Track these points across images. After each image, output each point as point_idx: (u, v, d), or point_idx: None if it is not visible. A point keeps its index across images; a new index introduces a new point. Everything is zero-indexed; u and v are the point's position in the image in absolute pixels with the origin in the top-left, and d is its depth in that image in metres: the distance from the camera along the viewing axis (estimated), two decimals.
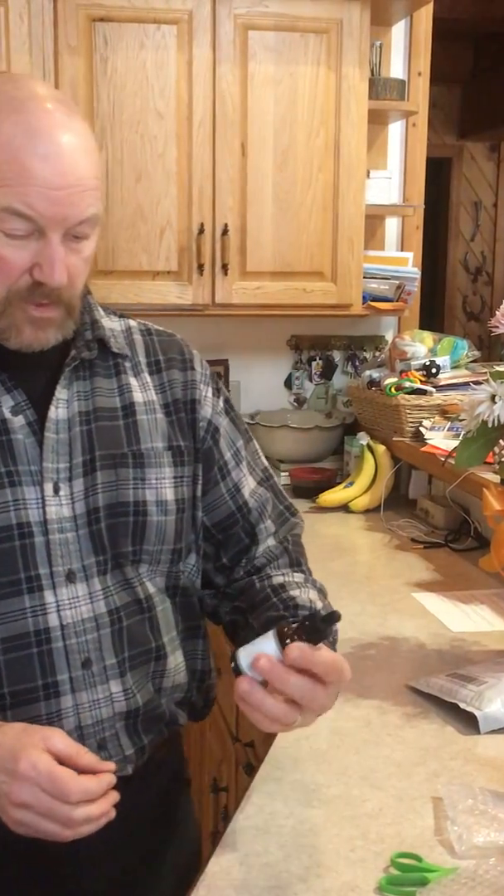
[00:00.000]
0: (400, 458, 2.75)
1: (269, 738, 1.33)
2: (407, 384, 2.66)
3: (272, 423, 3.06)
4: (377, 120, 2.97)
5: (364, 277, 2.85)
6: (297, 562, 1.31)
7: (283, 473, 3.00)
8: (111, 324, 1.26)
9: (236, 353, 3.17)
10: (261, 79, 2.68)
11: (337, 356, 3.26)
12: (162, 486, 1.20)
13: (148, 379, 1.25)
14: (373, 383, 2.83)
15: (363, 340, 3.26)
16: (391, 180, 3.10)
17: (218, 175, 2.69)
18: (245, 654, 0.98)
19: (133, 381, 1.23)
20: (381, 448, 2.77)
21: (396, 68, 3.11)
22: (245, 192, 2.71)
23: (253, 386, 3.21)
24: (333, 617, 0.97)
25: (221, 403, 1.30)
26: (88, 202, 1.08)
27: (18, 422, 1.13)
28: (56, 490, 1.13)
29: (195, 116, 2.66)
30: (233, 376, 3.17)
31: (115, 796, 1.01)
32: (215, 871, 1.04)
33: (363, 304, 2.86)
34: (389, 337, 3.21)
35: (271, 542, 1.31)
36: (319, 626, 0.95)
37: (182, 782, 1.35)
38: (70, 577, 1.13)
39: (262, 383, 3.22)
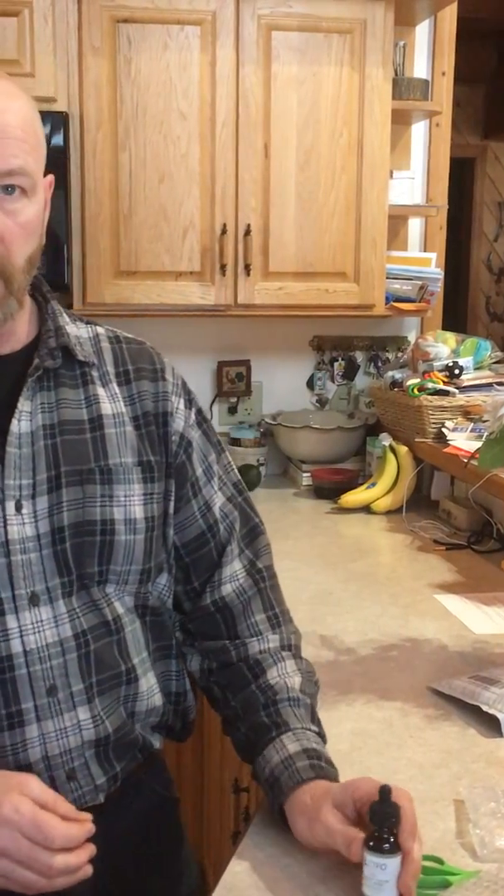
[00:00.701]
0: (422, 459, 2.74)
1: None
2: (430, 385, 2.65)
3: (294, 423, 3.05)
4: (400, 120, 2.97)
5: (387, 278, 2.84)
6: (269, 604, 1.24)
7: (304, 474, 3.00)
8: (77, 331, 1.20)
9: (258, 353, 3.17)
10: (284, 79, 2.68)
11: (359, 357, 3.25)
12: (131, 503, 1.15)
13: (116, 390, 1.19)
14: (395, 384, 2.82)
15: (386, 341, 3.25)
16: (414, 180, 3.09)
17: (241, 175, 2.69)
18: (383, 891, 0.95)
19: (101, 392, 1.17)
20: (403, 449, 2.76)
21: (420, 68, 3.10)
22: (268, 192, 2.71)
23: (275, 386, 3.21)
24: (387, 800, 0.94)
25: (193, 416, 1.25)
26: (12, 152, 1.05)
27: None
28: (18, 508, 1.08)
29: (218, 117, 2.66)
30: (255, 377, 3.17)
31: (91, 849, 0.99)
32: (237, 872, 1.04)
33: (386, 304, 2.86)
34: (412, 338, 3.20)
35: (237, 565, 1.24)
36: (385, 812, 0.95)
37: (167, 803, 1.28)
38: (33, 601, 1.08)
39: (284, 384, 3.22)
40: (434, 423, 2.61)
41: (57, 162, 2.54)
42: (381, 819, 0.95)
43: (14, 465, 1.09)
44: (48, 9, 2.53)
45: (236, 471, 1.31)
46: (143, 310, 2.71)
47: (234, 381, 3.15)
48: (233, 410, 3.19)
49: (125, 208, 2.66)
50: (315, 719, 1.16)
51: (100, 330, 1.24)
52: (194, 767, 2.27)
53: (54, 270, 2.58)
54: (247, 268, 2.71)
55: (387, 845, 0.94)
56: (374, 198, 2.76)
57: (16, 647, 1.07)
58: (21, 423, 1.10)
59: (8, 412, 1.10)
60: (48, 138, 2.49)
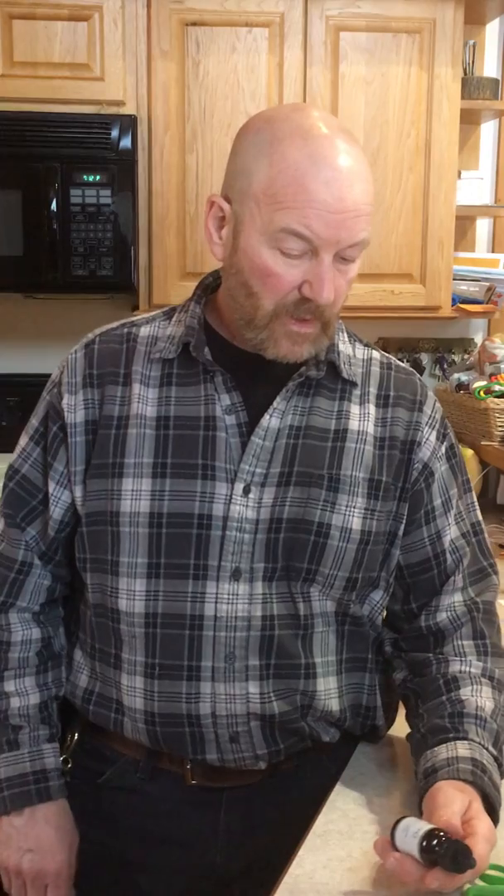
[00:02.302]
0: (488, 463, 2.71)
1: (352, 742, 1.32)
2: (496, 388, 2.62)
3: None
4: (469, 119, 2.94)
5: (454, 279, 2.82)
6: (480, 633, 1.25)
7: None
8: (351, 350, 1.28)
9: None
10: (352, 80, 2.67)
11: (425, 359, 3.23)
12: (351, 514, 1.20)
13: (371, 410, 1.25)
14: (461, 386, 2.79)
15: (452, 343, 3.22)
16: (483, 181, 3.06)
17: None
18: (400, 836, 0.98)
19: (354, 409, 1.24)
20: (469, 452, 2.73)
21: (490, 67, 3.07)
22: None
23: None
24: (469, 858, 0.94)
25: (444, 449, 1.29)
26: (361, 227, 1.12)
27: (229, 420, 1.19)
28: (246, 491, 1.18)
29: None
30: None
31: None
32: (298, 874, 1.03)
33: (452, 306, 2.83)
34: (479, 339, 3.16)
35: (458, 598, 1.26)
36: (461, 863, 0.94)
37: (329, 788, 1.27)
38: (235, 575, 1.17)
39: None
40: (500, 425, 2.58)
41: (125, 165, 2.57)
42: (456, 849, 0.94)
43: (253, 454, 1.19)
44: (118, 13, 2.56)
45: (479, 512, 1.33)
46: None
47: None
48: None
49: (192, 210, 2.67)
50: (498, 746, 1.15)
51: (375, 354, 1.31)
52: None
53: (122, 272, 2.61)
54: None
55: (435, 843, 0.94)
56: (441, 198, 2.74)
57: (208, 610, 1.17)
58: (271, 419, 1.20)
59: (265, 407, 1.20)
60: (116, 142, 2.54)
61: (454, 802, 1.01)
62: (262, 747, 1.20)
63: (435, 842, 0.95)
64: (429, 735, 1.15)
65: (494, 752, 1.13)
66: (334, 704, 1.23)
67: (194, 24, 2.60)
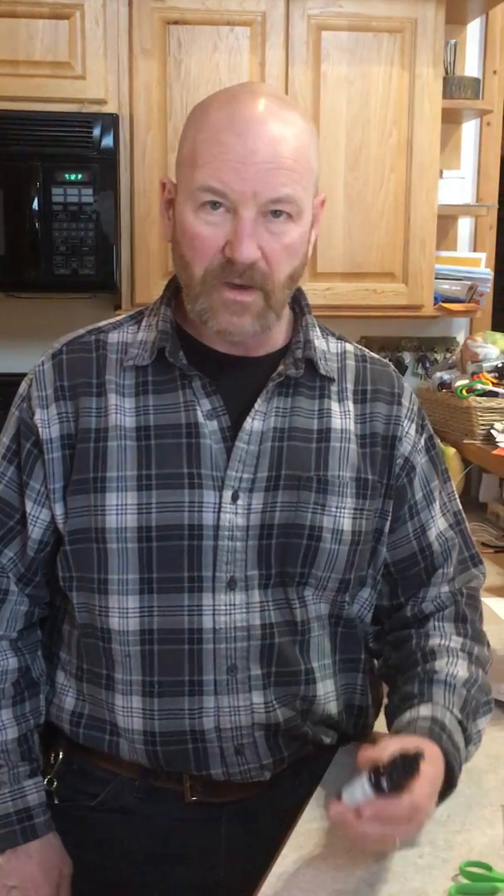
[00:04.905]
0: (470, 461, 2.71)
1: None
2: (478, 386, 2.63)
3: None
4: (451, 119, 2.94)
5: (436, 278, 2.82)
6: (463, 616, 1.26)
7: None
8: (325, 345, 1.26)
9: None
10: (333, 79, 2.67)
11: (407, 358, 3.23)
12: (341, 515, 1.19)
13: (350, 407, 1.23)
14: (443, 385, 2.80)
15: (434, 342, 3.23)
16: (464, 180, 3.07)
17: None
18: (347, 794, 0.99)
19: (334, 407, 1.22)
20: (451, 451, 2.74)
21: (471, 66, 3.07)
22: None
23: None
24: (416, 760, 0.95)
25: (423, 441, 1.28)
26: (281, 181, 1.09)
27: (211, 426, 1.16)
28: (234, 498, 1.15)
29: None
30: None
31: None
32: (281, 873, 1.03)
33: (434, 305, 2.84)
34: (461, 338, 3.17)
35: (444, 588, 1.26)
36: (401, 776, 0.95)
37: None
38: (231, 585, 1.15)
39: None
40: (483, 424, 2.59)
41: (107, 163, 2.56)
42: (391, 771, 0.95)
43: (239, 459, 1.16)
44: (99, 11, 2.55)
45: (458, 501, 1.33)
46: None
47: None
48: None
49: None
50: (465, 712, 1.14)
51: (349, 347, 1.29)
52: None
53: (104, 271, 2.60)
54: None
55: (371, 781, 0.95)
56: (423, 197, 2.74)
57: (207, 622, 1.15)
58: (254, 422, 1.17)
59: (246, 410, 1.17)
60: (98, 140, 2.54)
61: (406, 741, 1.01)
62: (268, 756, 1.18)
63: (380, 768, 0.95)
64: (400, 704, 1.16)
65: (459, 717, 1.12)
66: (332, 707, 1.22)
67: (176, 22, 2.60)
